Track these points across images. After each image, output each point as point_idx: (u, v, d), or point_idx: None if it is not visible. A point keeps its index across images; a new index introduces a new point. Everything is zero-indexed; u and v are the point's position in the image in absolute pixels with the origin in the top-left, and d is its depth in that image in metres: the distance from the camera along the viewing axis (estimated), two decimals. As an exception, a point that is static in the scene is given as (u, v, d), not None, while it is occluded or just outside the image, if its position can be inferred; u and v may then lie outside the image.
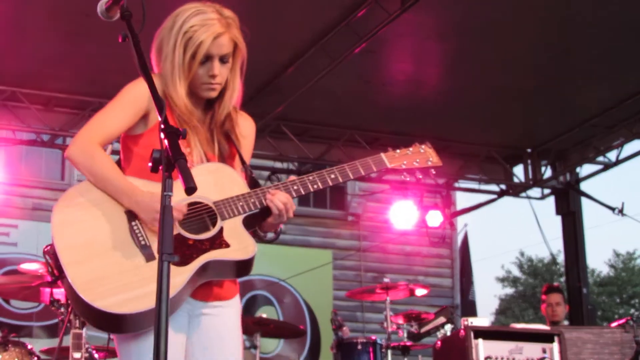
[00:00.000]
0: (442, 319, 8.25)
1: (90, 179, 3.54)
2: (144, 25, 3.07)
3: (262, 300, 14.53)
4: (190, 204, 3.50)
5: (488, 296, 69.42)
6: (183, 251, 3.42)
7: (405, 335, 8.57)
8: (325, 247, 15.45)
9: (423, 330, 8.40)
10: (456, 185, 12.87)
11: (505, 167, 12.38)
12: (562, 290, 10.42)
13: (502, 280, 43.87)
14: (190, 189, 2.81)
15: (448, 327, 8.14)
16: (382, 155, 3.80)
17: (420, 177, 3.89)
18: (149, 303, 3.24)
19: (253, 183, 3.69)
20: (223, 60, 3.61)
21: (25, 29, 8.67)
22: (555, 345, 7.13)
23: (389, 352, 8.47)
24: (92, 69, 9.39)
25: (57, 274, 3.42)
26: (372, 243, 15.55)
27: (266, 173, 11.84)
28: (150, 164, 2.90)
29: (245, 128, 3.82)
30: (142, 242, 3.44)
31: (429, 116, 10.89)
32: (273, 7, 8.27)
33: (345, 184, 15.73)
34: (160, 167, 2.87)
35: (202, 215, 3.54)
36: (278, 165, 11.94)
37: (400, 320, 8.61)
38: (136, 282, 3.38)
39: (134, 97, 3.59)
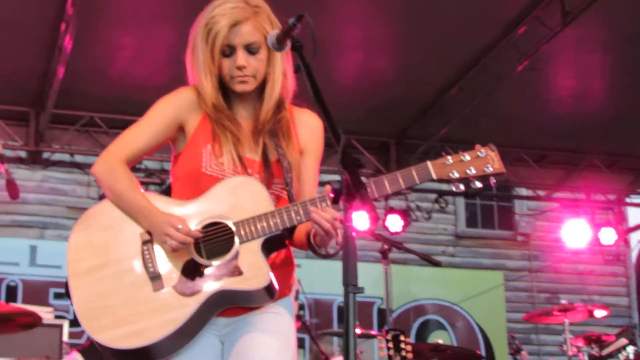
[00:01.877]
0: (623, 341, 7.96)
1: (110, 197, 3.37)
2: (315, 54, 3.03)
3: (434, 325, 14.42)
4: (209, 225, 3.27)
5: (665, 314, 67.17)
6: (194, 279, 3.22)
7: (586, 358, 8.32)
8: (496, 268, 15.23)
9: (605, 352, 8.11)
10: (628, 200, 12.49)
11: (678, 179, 11.94)
12: None
13: (679, 297, 42.34)
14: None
15: (630, 349, 7.85)
16: (429, 164, 3.28)
17: (480, 186, 3.31)
18: (153, 336, 3.15)
19: (289, 196, 3.38)
20: (250, 50, 3.36)
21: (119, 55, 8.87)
22: None
23: (570, 375, 8.24)
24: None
25: (67, 295, 3.33)
26: (544, 263, 15.25)
27: (433, 196, 11.75)
28: (331, 195, 2.84)
29: (302, 126, 3.52)
30: (151, 270, 3.25)
31: (596, 131, 10.63)
32: (435, 28, 8.24)
33: (512, 203, 15.49)
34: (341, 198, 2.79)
35: (222, 238, 3.26)
36: (444, 187, 11.84)
37: (580, 343, 8.36)
38: (141, 313, 3.20)
39: (161, 110, 3.44)
